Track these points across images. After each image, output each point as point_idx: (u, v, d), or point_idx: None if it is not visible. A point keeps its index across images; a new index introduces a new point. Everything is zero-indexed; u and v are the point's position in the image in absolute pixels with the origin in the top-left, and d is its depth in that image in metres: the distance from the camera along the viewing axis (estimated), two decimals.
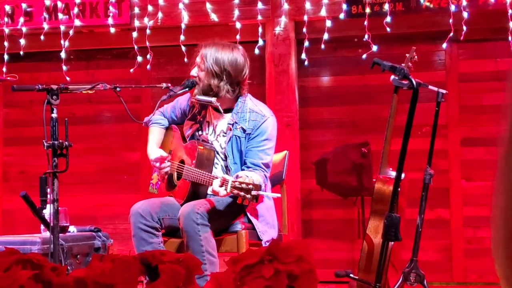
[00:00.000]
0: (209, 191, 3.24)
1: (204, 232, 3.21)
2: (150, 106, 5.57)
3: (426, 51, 5.29)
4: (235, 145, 3.41)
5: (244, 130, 3.40)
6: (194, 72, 3.43)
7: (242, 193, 3.02)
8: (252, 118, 3.40)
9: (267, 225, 3.42)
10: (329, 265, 5.10)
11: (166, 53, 5.64)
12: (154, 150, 3.58)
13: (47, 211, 2.79)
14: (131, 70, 5.31)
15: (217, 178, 3.19)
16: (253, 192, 3.01)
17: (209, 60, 3.36)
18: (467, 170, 5.29)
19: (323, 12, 5.08)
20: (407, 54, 3.47)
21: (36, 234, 3.63)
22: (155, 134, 3.67)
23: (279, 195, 3.22)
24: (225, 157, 3.43)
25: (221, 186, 3.11)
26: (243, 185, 3.02)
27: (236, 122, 3.42)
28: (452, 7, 4.89)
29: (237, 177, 3.09)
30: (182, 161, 3.50)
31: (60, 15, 5.39)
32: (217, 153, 3.45)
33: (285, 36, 5.20)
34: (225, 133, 3.45)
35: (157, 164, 3.51)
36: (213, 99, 3.36)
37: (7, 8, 5.47)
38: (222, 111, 3.44)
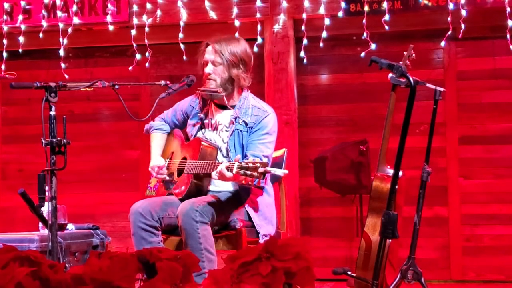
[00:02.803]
0: (214, 175, 3.22)
1: (202, 230, 3.21)
2: (149, 104, 5.57)
3: (424, 49, 5.29)
4: (237, 139, 3.43)
5: (246, 124, 3.43)
6: (209, 69, 3.45)
7: (249, 172, 3.02)
8: (254, 113, 3.45)
9: (265, 220, 3.43)
10: (327, 263, 5.11)
11: (165, 51, 5.64)
12: (153, 158, 3.60)
13: (45, 209, 2.79)
14: (130, 68, 5.31)
15: (221, 163, 3.19)
16: (260, 169, 3.02)
17: (224, 53, 3.43)
18: (465, 168, 5.30)
19: (321, 10, 5.09)
20: (405, 52, 3.47)
21: (34, 232, 3.63)
22: (157, 140, 3.68)
23: (286, 171, 3.20)
24: (227, 152, 3.44)
25: (227, 169, 3.12)
26: (250, 164, 3.04)
27: (238, 117, 3.45)
28: (450, 5, 4.89)
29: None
30: (184, 159, 3.51)
31: (59, 13, 5.39)
32: (219, 149, 3.47)
33: (284, 34, 5.20)
34: (228, 128, 3.47)
35: (154, 174, 3.54)
36: (219, 89, 3.40)
37: (6, 5, 5.47)
38: (226, 102, 3.47)
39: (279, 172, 3.15)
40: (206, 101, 3.58)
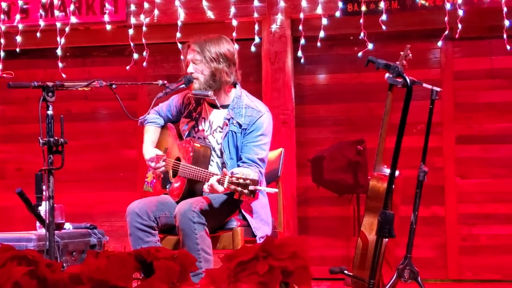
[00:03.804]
0: (206, 188, 3.24)
1: (200, 230, 3.22)
2: (146, 103, 5.57)
3: (421, 49, 5.30)
4: (231, 141, 3.43)
5: (240, 125, 3.42)
6: (191, 68, 3.45)
7: (239, 188, 3.04)
8: (248, 114, 3.43)
9: (261, 221, 3.44)
10: (325, 262, 5.11)
11: (162, 50, 5.64)
12: (149, 150, 3.60)
13: (43, 208, 2.80)
14: (127, 67, 5.32)
15: (213, 174, 3.21)
16: (251, 187, 3.03)
17: (203, 50, 3.42)
18: (462, 167, 5.31)
19: (319, 10, 5.09)
20: (401, 52, 3.48)
21: (32, 231, 3.64)
22: (151, 133, 3.68)
23: (276, 190, 3.23)
24: (221, 153, 3.44)
25: (218, 182, 3.13)
26: (240, 180, 3.05)
27: (232, 117, 3.44)
28: (448, 5, 4.90)
29: (232, 173, 3.11)
30: (178, 159, 3.51)
31: (56, 12, 5.39)
32: (213, 149, 3.47)
33: (281, 33, 5.21)
34: (222, 129, 3.47)
35: (152, 164, 3.52)
36: (210, 92, 3.39)
37: (4, 5, 5.47)
38: (218, 104, 3.46)
39: (269, 190, 3.17)
40: (200, 100, 3.57)
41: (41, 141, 2.76)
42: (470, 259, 5.26)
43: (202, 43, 3.44)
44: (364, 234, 3.38)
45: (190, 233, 3.21)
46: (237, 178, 3.06)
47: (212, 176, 3.20)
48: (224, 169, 3.25)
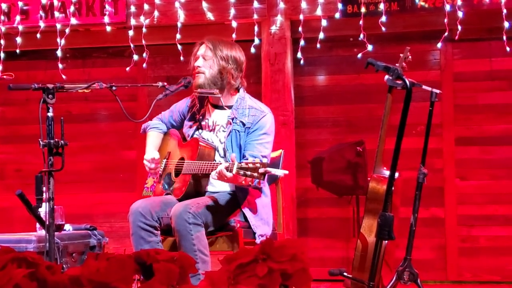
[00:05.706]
0: (213, 175, 3.24)
1: (196, 231, 3.22)
2: (146, 105, 5.58)
3: (421, 50, 5.31)
4: (235, 140, 3.45)
5: (243, 124, 3.45)
6: (199, 62, 3.48)
7: (249, 173, 3.04)
8: (251, 114, 3.47)
9: (261, 220, 3.45)
10: (324, 264, 5.12)
11: (162, 51, 5.65)
12: (148, 152, 3.61)
13: (43, 210, 2.80)
14: (127, 68, 5.32)
15: (220, 163, 3.21)
16: (261, 170, 3.03)
17: (215, 48, 3.49)
18: (462, 169, 5.32)
19: (318, 12, 5.10)
20: (401, 54, 3.48)
21: (32, 233, 3.64)
22: (153, 138, 3.70)
23: (286, 171, 3.20)
24: (224, 152, 3.46)
25: (226, 169, 3.14)
26: (250, 165, 3.05)
27: (235, 117, 3.47)
28: (447, 7, 4.91)
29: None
30: (182, 159, 3.52)
31: (56, 14, 5.40)
32: (217, 149, 3.48)
33: (281, 35, 5.22)
34: (225, 128, 3.49)
35: (148, 164, 3.54)
36: (215, 90, 3.42)
37: (4, 6, 5.47)
38: (223, 102, 3.49)
39: (279, 172, 3.16)
40: (203, 102, 3.60)
41: (41, 143, 2.76)
42: (470, 261, 5.27)
43: (216, 42, 3.52)
44: (363, 236, 3.38)
45: (185, 234, 3.21)
46: (246, 163, 3.07)
47: (220, 164, 3.21)
48: (233, 154, 3.24)
